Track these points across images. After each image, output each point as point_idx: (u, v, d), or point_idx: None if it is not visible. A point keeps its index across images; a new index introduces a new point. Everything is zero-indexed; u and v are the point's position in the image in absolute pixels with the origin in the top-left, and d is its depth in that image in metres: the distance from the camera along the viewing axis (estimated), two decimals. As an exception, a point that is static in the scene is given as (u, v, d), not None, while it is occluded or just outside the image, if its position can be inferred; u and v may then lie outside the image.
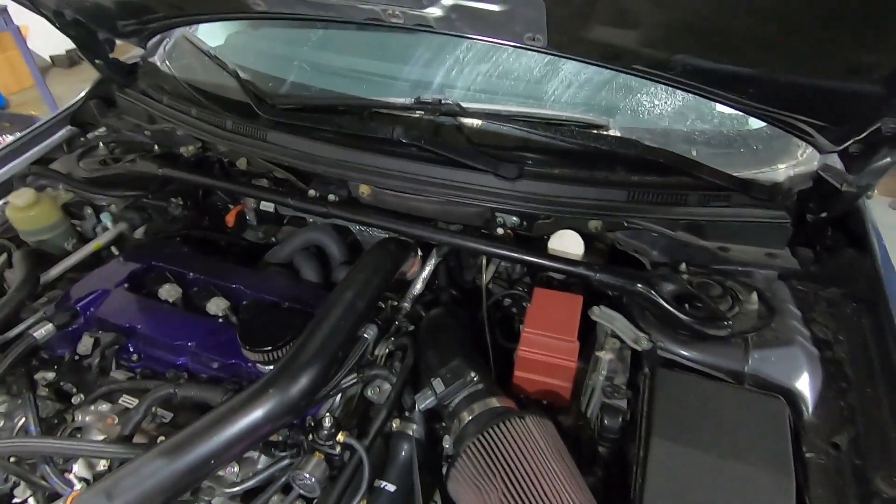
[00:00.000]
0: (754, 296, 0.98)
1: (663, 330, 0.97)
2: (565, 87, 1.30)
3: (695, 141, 1.20)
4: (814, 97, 0.90)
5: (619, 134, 1.18)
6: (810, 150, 1.11)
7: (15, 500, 1.01)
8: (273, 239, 1.56)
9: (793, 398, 0.87)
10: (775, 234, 1.07)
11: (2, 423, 0.98)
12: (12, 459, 0.96)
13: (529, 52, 1.30)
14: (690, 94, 1.18)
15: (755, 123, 1.21)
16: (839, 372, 0.91)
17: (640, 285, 0.97)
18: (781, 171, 1.14)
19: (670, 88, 1.21)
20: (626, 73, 1.00)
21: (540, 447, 0.78)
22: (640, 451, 0.82)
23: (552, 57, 1.28)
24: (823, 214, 1.07)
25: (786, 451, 0.79)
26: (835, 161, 1.04)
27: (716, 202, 1.10)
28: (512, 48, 1.30)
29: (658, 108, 1.25)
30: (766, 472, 0.76)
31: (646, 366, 0.96)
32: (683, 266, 1.06)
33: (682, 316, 0.93)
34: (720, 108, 1.23)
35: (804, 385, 0.88)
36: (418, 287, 1.25)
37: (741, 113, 1.15)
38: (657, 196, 1.11)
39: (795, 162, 1.14)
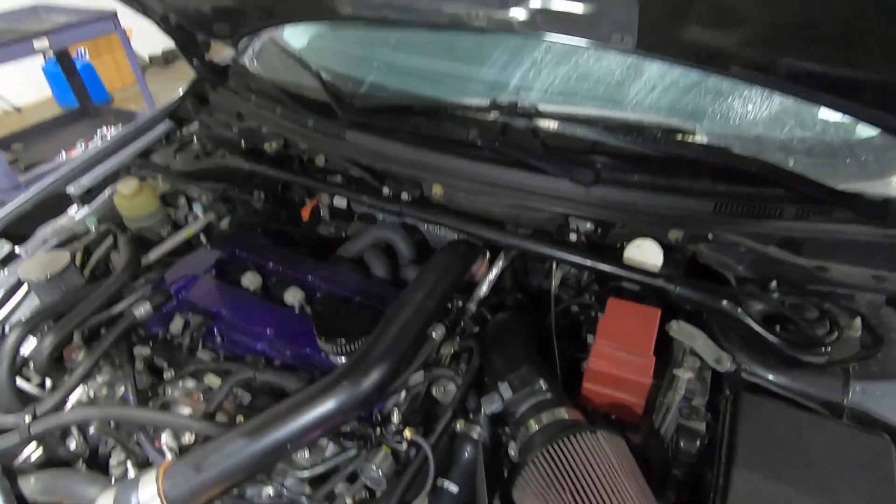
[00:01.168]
0: (858, 322, 0.90)
1: (749, 352, 0.91)
2: (648, 90, 1.24)
3: (793, 150, 1.11)
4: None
5: (706, 140, 1.12)
6: (932, 162, 1.00)
7: (111, 462, 1.11)
8: (343, 234, 1.62)
9: (901, 438, 0.79)
10: (885, 255, 0.97)
11: (105, 391, 1.08)
12: (112, 425, 1.06)
13: (611, 54, 1.26)
14: (790, 99, 1.10)
15: (864, 132, 1.10)
16: (957, 413, 0.81)
17: (725, 302, 0.91)
18: (895, 185, 1.03)
19: (767, 92, 1.13)
20: (722, 75, 0.94)
21: (612, 464, 0.75)
22: (720, 480, 0.77)
23: (635, 59, 1.24)
24: (946, 235, 0.96)
25: (890, 495, 0.71)
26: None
27: (815, 217, 1.02)
28: (593, 50, 1.27)
29: (751, 114, 1.16)
30: (866, 517, 0.69)
31: (727, 389, 0.90)
32: (774, 284, 0.98)
33: (772, 338, 0.87)
34: (824, 114, 1.13)
35: (915, 425, 0.79)
36: (484, 289, 1.24)
37: (848, 120, 1.05)
38: (747, 208, 1.04)
39: (913, 176, 1.03)
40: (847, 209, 1.00)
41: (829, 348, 0.86)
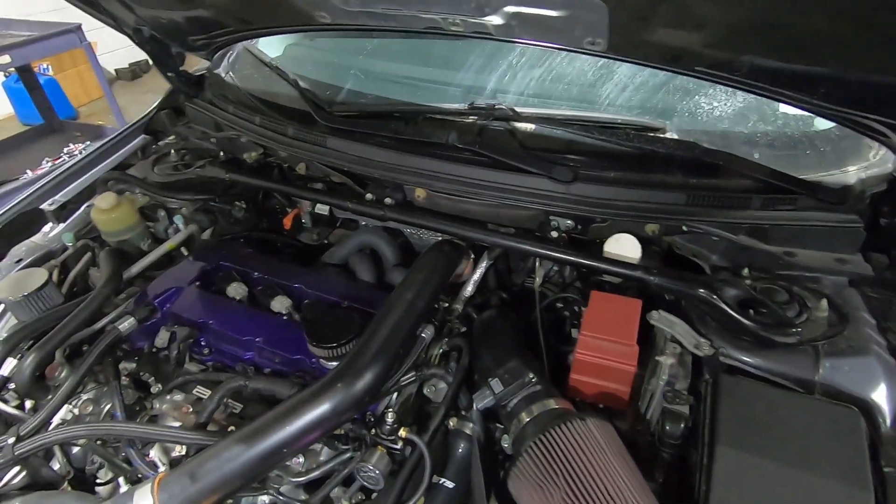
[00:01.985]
0: (824, 302, 0.95)
1: (725, 336, 0.95)
2: (620, 91, 1.29)
3: (757, 143, 1.17)
4: (890, 95, 0.86)
5: (676, 136, 1.17)
6: (884, 151, 1.07)
7: (98, 481, 1.09)
8: (326, 241, 1.63)
9: (868, 410, 0.84)
10: (846, 239, 1.03)
11: (90, 408, 1.06)
12: (99, 442, 1.04)
13: (583, 56, 1.31)
14: (752, 95, 1.16)
15: (822, 124, 1.17)
16: (919, 383, 0.87)
17: (701, 290, 0.95)
18: (852, 174, 1.09)
19: (730, 90, 1.19)
20: (687, 75, 0.99)
21: (602, 449, 0.78)
22: (704, 459, 0.81)
23: (607, 60, 1.29)
24: (899, 218, 1.02)
25: (863, 464, 0.76)
26: (912, 163, 1.00)
27: (781, 205, 1.07)
28: (566, 52, 1.31)
29: (717, 110, 1.22)
30: (841, 484, 0.73)
31: (707, 372, 0.94)
32: (746, 271, 1.03)
33: (746, 322, 0.91)
34: (784, 108, 1.19)
35: (881, 396, 0.84)
36: (469, 289, 1.27)
37: (807, 113, 1.12)
38: (718, 199, 1.09)
39: (867, 164, 1.09)
40: (809, 197, 1.06)
41: (799, 328, 0.91)
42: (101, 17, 1.44)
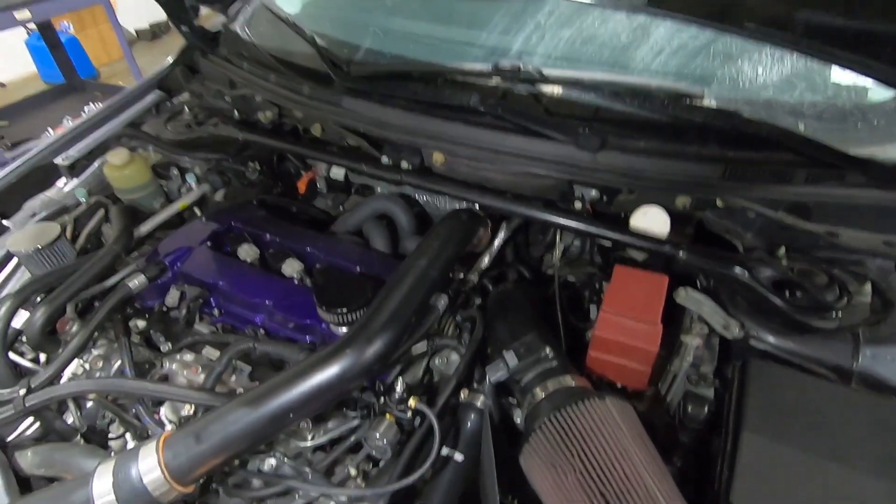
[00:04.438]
0: (867, 287, 0.89)
1: (757, 318, 0.90)
2: (655, 54, 1.20)
3: (803, 114, 1.08)
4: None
5: (714, 105, 1.09)
6: (947, 125, 0.98)
7: (110, 436, 1.10)
8: (341, 208, 1.59)
9: (910, 402, 0.78)
10: (896, 221, 0.96)
11: (101, 364, 1.06)
12: (109, 398, 1.04)
13: (617, 16, 1.22)
14: (801, 62, 1.06)
15: (877, 95, 1.07)
16: (967, 377, 0.81)
17: (735, 268, 0.89)
18: (908, 150, 1.00)
19: (777, 54, 1.10)
20: (734, 34, 0.90)
21: (621, 430, 0.74)
22: (728, 445, 0.77)
23: (642, 21, 1.19)
24: (958, 200, 0.94)
25: (902, 459, 0.71)
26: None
27: (826, 181, 0.99)
28: (598, 11, 1.22)
29: (761, 77, 1.13)
30: (879, 478, 0.68)
31: (736, 355, 0.89)
32: (783, 251, 0.96)
33: (781, 304, 0.86)
34: (836, 77, 1.10)
35: (925, 389, 0.79)
36: (486, 261, 1.22)
37: (861, 83, 1.02)
38: (757, 173, 1.01)
39: (926, 140, 1.00)
40: (858, 174, 0.98)
41: (838, 313, 0.85)
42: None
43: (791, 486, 0.70)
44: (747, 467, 0.72)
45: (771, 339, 0.87)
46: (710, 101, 1.10)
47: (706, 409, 0.82)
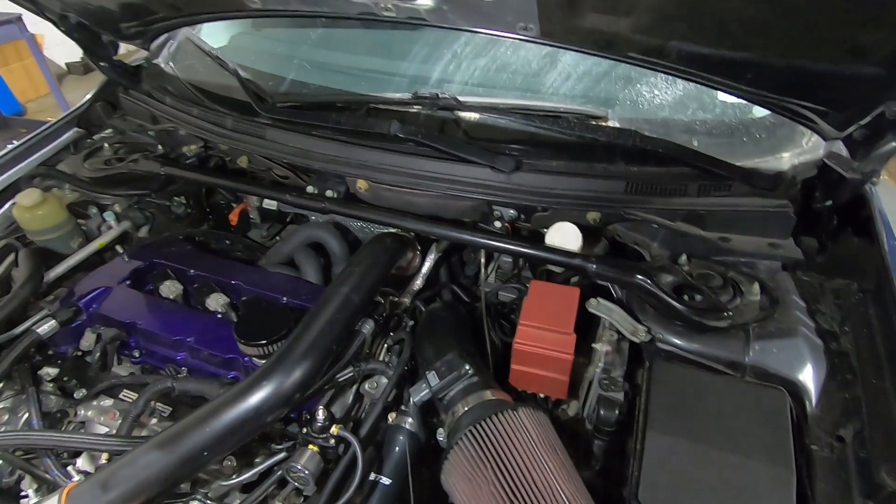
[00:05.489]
0: (756, 286, 0.96)
1: (662, 322, 0.96)
2: (563, 79, 1.29)
3: (696, 131, 1.18)
4: (814, 81, 0.88)
5: (617, 125, 1.17)
6: (815, 138, 1.09)
7: (21, 493, 1.03)
8: (277, 238, 1.58)
9: (795, 390, 0.85)
10: (778, 224, 1.05)
11: (6, 417, 0.99)
12: (17, 452, 0.98)
13: (527, 45, 1.30)
14: (691, 84, 1.16)
15: (758, 112, 1.19)
16: (844, 363, 0.89)
17: (638, 276, 0.95)
18: (785, 160, 1.11)
19: (670, 78, 1.20)
20: (622, 61, 0.98)
21: (532, 439, 0.77)
22: (637, 444, 0.81)
23: (550, 49, 1.27)
24: (828, 203, 1.04)
25: (786, 443, 0.77)
26: (840, 148, 1.02)
27: (716, 192, 1.08)
28: (510, 41, 1.30)
29: (658, 99, 1.23)
30: (765, 463, 0.74)
31: (645, 358, 0.94)
32: (684, 258, 1.04)
33: (680, 307, 0.92)
34: (722, 97, 1.21)
35: (807, 377, 0.86)
36: (418, 283, 1.25)
37: (744, 101, 1.13)
38: (655, 186, 1.09)
39: (800, 150, 1.11)
40: (744, 183, 1.07)
41: (730, 312, 0.92)
42: (24, 3, 1.36)
43: (691, 479, 0.75)
44: (652, 463, 0.77)
45: (675, 340, 0.93)
46: (613, 122, 1.18)
47: (617, 411, 0.86)
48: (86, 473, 0.95)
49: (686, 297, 0.95)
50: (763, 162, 1.12)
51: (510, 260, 1.35)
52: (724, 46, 0.85)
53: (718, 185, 1.08)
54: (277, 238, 1.60)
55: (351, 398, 1.01)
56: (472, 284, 1.39)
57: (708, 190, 1.08)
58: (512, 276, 1.37)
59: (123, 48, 1.59)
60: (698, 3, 0.78)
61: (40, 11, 1.36)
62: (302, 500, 0.92)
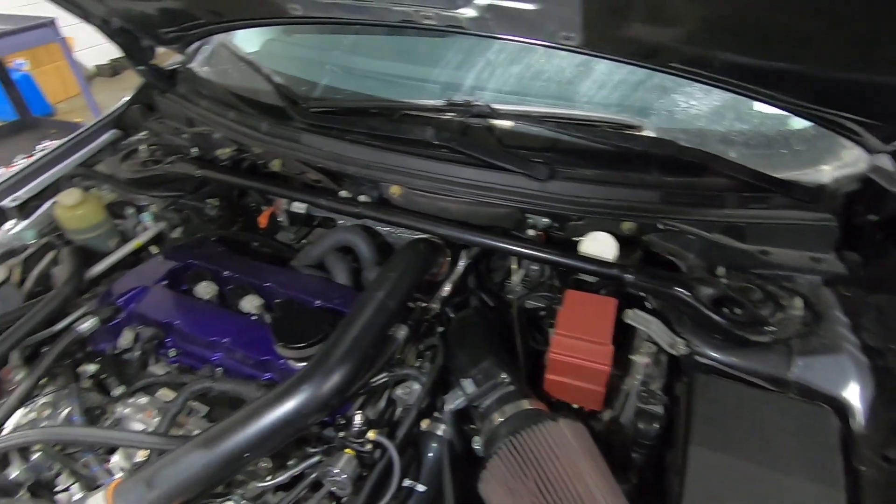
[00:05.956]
0: (798, 301, 0.95)
1: (701, 335, 0.95)
2: (598, 88, 1.28)
3: (733, 142, 1.17)
4: (862, 93, 0.86)
5: (653, 134, 1.16)
6: (857, 150, 1.07)
7: (57, 488, 1.05)
8: (304, 241, 1.59)
9: (841, 408, 0.83)
10: (820, 238, 1.03)
11: (48, 412, 1.01)
12: (57, 447, 1.00)
13: (562, 53, 1.30)
14: (728, 94, 1.15)
15: (798, 123, 1.17)
16: (891, 382, 0.87)
17: (677, 288, 0.94)
18: (826, 173, 1.09)
19: (707, 88, 1.18)
20: (663, 71, 0.98)
21: (574, 451, 0.76)
22: (678, 459, 0.80)
23: (585, 57, 1.27)
24: (872, 217, 1.02)
25: (835, 462, 0.75)
26: (885, 162, 1.00)
27: (755, 204, 1.07)
28: (544, 49, 1.30)
29: (694, 109, 1.22)
30: (813, 483, 0.72)
31: (683, 372, 0.93)
32: (721, 270, 1.03)
33: (721, 320, 0.91)
34: (760, 107, 1.19)
35: (853, 394, 0.84)
36: (447, 289, 1.25)
37: (782, 112, 1.11)
38: (693, 197, 1.08)
39: (841, 163, 1.09)
40: (783, 196, 1.06)
41: (773, 327, 0.90)
42: (69, 7, 1.39)
43: (736, 496, 0.73)
44: (696, 479, 0.75)
45: (714, 354, 0.92)
46: (648, 131, 1.17)
47: (656, 425, 0.85)
48: (122, 470, 0.96)
49: (726, 311, 0.94)
50: (803, 174, 1.10)
51: (537, 268, 1.34)
52: (772, 57, 0.84)
53: (758, 197, 1.06)
54: (304, 241, 1.62)
55: (383, 403, 1.01)
56: (499, 291, 1.39)
57: (747, 202, 1.06)
58: (539, 283, 1.36)
59: (160, 52, 1.63)
60: (748, 13, 0.77)
61: (85, 16, 1.40)
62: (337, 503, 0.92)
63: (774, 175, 1.08)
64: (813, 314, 0.94)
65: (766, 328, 0.90)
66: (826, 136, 1.07)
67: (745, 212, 1.06)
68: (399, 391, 1.04)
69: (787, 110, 0.96)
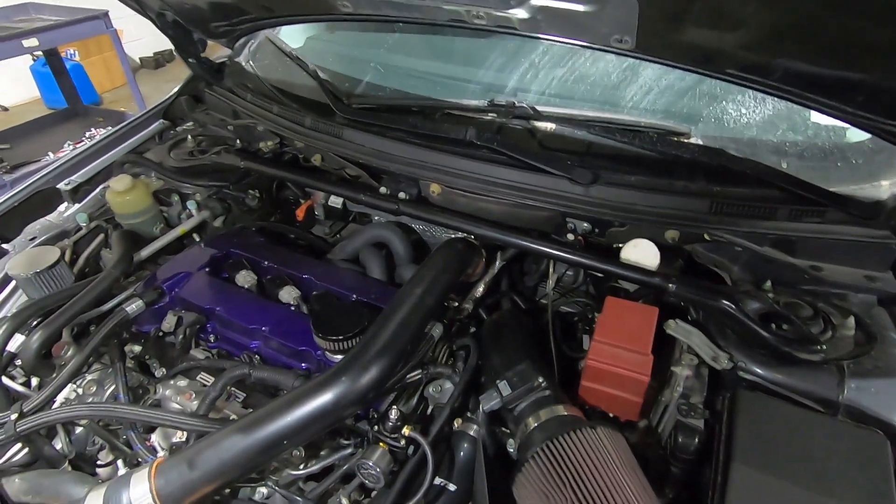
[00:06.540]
0: (851, 320, 0.91)
1: (745, 350, 0.92)
2: (644, 93, 1.26)
3: (785, 153, 1.13)
4: (933, 107, 0.82)
5: (701, 142, 1.13)
6: (920, 166, 1.02)
7: (98, 462, 1.09)
8: (339, 235, 1.61)
9: (895, 434, 0.80)
10: (877, 256, 0.99)
11: (94, 388, 1.05)
12: (101, 423, 1.04)
13: (608, 57, 1.28)
14: (782, 103, 1.12)
15: (855, 136, 1.12)
16: (950, 410, 0.83)
17: (723, 300, 0.92)
18: (885, 188, 1.05)
19: (759, 96, 1.15)
20: (717, 78, 0.95)
21: (613, 460, 0.75)
22: (718, 476, 0.77)
23: (631, 62, 1.25)
24: (933, 237, 0.98)
25: (889, 492, 0.72)
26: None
27: (808, 218, 1.03)
28: (589, 52, 1.28)
29: (745, 118, 1.18)
30: (864, 511, 0.69)
31: (725, 387, 0.90)
32: (768, 284, 0.99)
33: (768, 336, 0.88)
34: (815, 118, 1.15)
35: (910, 421, 0.80)
36: (481, 289, 1.24)
37: (839, 123, 1.07)
38: (743, 208, 1.05)
39: (902, 178, 1.05)
40: (839, 210, 1.02)
41: (824, 346, 0.87)
42: (127, 1, 1.45)
43: (780, 519, 0.71)
44: (737, 498, 0.73)
45: (759, 370, 0.89)
46: (696, 139, 1.14)
47: (696, 439, 0.83)
48: (161, 448, 0.99)
49: (773, 326, 0.91)
50: (859, 189, 1.06)
51: (571, 273, 1.33)
52: (839, 67, 0.81)
53: (811, 211, 1.03)
54: (338, 235, 1.64)
55: (415, 400, 1.02)
56: (532, 294, 1.38)
57: (800, 215, 1.03)
58: (572, 289, 1.35)
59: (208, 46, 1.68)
60: (818, 19, 0.75)
61: (142, 9, 1.45)
62: (365, 497, 0.93)
63: (829, 189, 1.04)
64: (866, 334, 0.90)
65: (815, 346, 0.87)
66: (886, 150, 1.03)
67: (798, 225, 1.02)
68: (430, 389, 1.04)
69: (848, 122, 0.92)
